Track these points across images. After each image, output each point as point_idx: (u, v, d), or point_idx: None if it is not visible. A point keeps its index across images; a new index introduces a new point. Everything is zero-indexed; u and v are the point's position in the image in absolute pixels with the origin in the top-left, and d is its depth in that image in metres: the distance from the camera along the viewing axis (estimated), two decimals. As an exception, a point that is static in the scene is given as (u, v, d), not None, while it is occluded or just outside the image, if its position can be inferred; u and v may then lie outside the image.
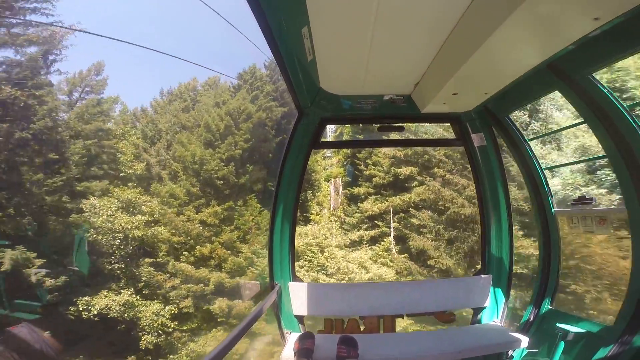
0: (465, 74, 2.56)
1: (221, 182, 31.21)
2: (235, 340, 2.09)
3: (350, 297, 3.65)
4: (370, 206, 29.70)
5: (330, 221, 31.99)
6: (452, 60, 2.52)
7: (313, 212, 32.83)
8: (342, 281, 22.71)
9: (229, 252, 27.71)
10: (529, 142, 3.52)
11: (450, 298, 3.72)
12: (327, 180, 35.69)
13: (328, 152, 36.70)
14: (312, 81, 3.11)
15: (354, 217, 30.86)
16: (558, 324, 3.07)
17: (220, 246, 27.63)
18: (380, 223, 28.78)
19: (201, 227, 27.45)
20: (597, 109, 2.46)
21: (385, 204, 29.03)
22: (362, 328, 3.68)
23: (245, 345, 20.45)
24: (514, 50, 2.28)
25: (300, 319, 3.67)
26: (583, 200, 3.17)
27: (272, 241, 3.70)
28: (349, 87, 3.40)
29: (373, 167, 31.88)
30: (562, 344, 2.97)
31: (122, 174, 27.68)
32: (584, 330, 2.91)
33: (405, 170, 28.08)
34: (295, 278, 3.79)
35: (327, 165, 37.18)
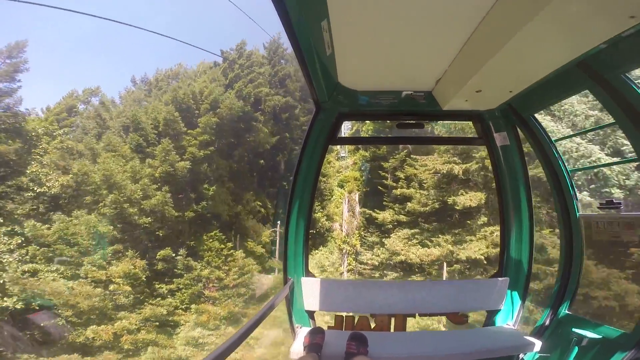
0: (490, 71, 2.48)
1: (149, 218, 22.60)
2: (249, 331, 2.14)
3: (362, 295, 3.65)
4: (403, 246, 20.60)
5: (342, 251, 24.29)
6: (477, 57, 2.44)
7: (321, 227, 25.60)
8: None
9: (152, 334, 19.15)
10: (555, 143, 3.40)
11: (464, 299, 3.67)
12: (341, 186, 29.04)
13: (342, 151, 32.22)
14: (330, 75, 3.08)
15: (376, 254, 22.34)
16: (574, 329, 3.01)
17: (135, 326, 18.57)
18: (419, 277, 18.67)
19: (105, 294, 19.28)
20: (629, 110, 2.35)
21: (429, 248, 19.64)
22: (372, 326, 3.68)
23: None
24: (543, 47, 2.19)
25: (311, 314, 3.70)
26: (611, 204, 3.05)
27: (287, 236, 3.74)
28: (367, 82, 3.35)
29: (406, 182, 23.44)
30: (575, 349, 2.92)
31: (27, 194, 20.42)
32: (600, 336, 2.84)
33: (466, 197, 18.78)
34: (308, 273, 3.82)
35: (341, 168, 31.32)
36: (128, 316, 19.68)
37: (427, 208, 20.70)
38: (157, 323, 20.51)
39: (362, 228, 24.86)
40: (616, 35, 1.98)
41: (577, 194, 3.46)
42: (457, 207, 19.32)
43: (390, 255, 21.28)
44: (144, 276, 21.49)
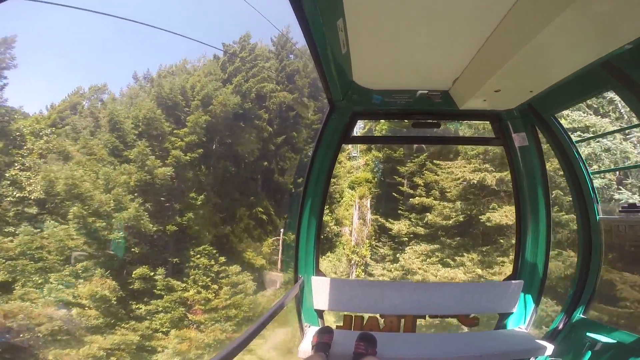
0: (510, 71, 2.43)
1: (121, 233, 19.99)
2: (259, 330, 2.17)
3: (371, 295, 3.65)
4: (420, 263, 17.67)
5: (350, 261, 21.98)
6: (497, 56, 2.39)
7: (329, 232, 23.75)
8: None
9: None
10: (576, 145, 3.31)
11: (476, 302, 3.62)
12: (351, 188, 27.15)
13: (354, 151, 30.90)
14: (344, 74, 3.07)
15: (388, 268, 19.60)
16: (588, 334, 2.96)
17: (103, 351, 16.30)
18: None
19: (69, 315, 17.06)
20: None
21: (451, 269, 16.27)
22: (381, 326, 3.67)
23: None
24: (565, 47, 2.12)
25: (320, 313, 3.71)
26: (633, 208, 2.97)
27: (299, 235, 3.76)
28: (382, 81, 3.32)
29: (425, 190, 20.70)
30: (588, 354, 2.87)
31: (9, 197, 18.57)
32: (614, 341, 2.79)
33: (500, 213, 15.65)
34: (319, 272, 3.83)
35: (352, 168, 29.69)
36: (96, 340, 17.55)
37: (450, 222, 17.65)
38: (128, 350, 18.16)
39: (373, 237, 22.71)
40: None
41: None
42: (490, 224, 16.25)
43: (405, 273, 18.70)
44: (115, 298, 18.89)
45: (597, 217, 3.24)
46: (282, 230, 26.35)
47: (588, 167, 3.34)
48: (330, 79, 2.90)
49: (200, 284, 21.05)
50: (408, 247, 19.55)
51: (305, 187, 3.74)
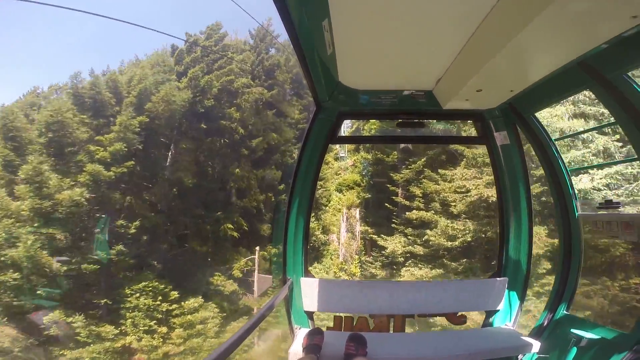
0: (491, 71, 2.48)
1: (13, 272, 15.15)
2: (248, 332, 2.13)
3: (361, 295, 3.64)
4: None
5: (336, 278, 19.14)
6: (478, 56, 2.44)
7: (315, 241, 21.14)
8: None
9: None
10: (555, 143, 3.40)
11: (463, 300, 3.66)
12: (339, 191, 25.10)
13: (342, 151, 29.77)
14: (330, 75, 3.08)
15: None
16: (572, 330, 3.00)
17: None
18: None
19: None
20: (630, 110, 2.35)
21: None
22: (371, 327, 3.68)
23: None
24: (544, 47, 2.18)
25: (310, 314, 3.69)
26: (610, 204, 3.06)
27: (286, 236, 3.73)
28: (368, 82, 3.35)
29: (424, 202, 18.06)
30: (574, 350, 2.91)
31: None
32: (598, 337, 2.84)
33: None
34: (307, 273, 3.82)
35: (340, 169, 27.85)
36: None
37: (456, 243, 14.63)
38: None
39: (363, 252, 20.89)
40: (618, 35, 1.97)
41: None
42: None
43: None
44: (19, 348, 15.22)
45: (576, 214, 3.32)
46: (257, 248, 22.87)
47: (567, 165, 3.44)
48: (316, 79, 2.91)
49: (141, 327, 17.10)
50: (404, 269, 17.16)
51: (291, 188, 3.72)
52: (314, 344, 2.87)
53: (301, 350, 2.91)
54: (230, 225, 22.50)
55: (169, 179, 21.07)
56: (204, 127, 22.13)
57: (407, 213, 18.87)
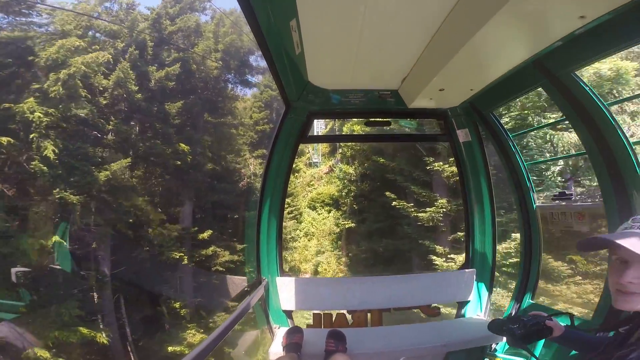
0: (451, 70, 2.58)
1: None
2: (222, 335, 2.07)
3: (338, 292, 3.67)
4: None
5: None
6: (439, 56, 2.53)
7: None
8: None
9: None
10: (512, 139, 3.58)
11: (435, 292, 3.77)
12: (312, 208, 20.47)
13: (315, 156, 27.22)
14: (300, 75, 3.10)
15: None
16: None
17: None
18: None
19: None
20: (578, 106, 2.50)
21: None
22: (350, 322, 3.71)
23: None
24: (500, 47, 2.30)
25: (288, 313, 3.67)
26: (563, 195, 3.24)
27: (259, 236, 3.70)
28: (337, 81, 3.40)
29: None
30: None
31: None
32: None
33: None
34: (283, 273, 3.79)
35: (314, 179, 23.50)
36: None
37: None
38: None
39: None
40: (568, 34, 2.10)
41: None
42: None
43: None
44: None
45: (534, 206, 3.47)
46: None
47: (524, 159, 3.62)
48: (285, 79, 2.91)
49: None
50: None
51: (262, 188, 3.71)
52: (294, 343, 2.86)
53: (281, 350, 2.89)
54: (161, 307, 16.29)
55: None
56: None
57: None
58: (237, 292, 16.31)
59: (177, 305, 16.55)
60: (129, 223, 15.82)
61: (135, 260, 15.76)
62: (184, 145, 17.98)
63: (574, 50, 2.25)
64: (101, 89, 16.47)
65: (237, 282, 17.29)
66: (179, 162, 17.76)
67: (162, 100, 18.18)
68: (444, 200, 15.17)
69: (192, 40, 20.30)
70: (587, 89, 2.44)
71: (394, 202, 16.03)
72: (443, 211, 15.00)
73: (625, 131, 2.41)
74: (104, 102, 16.54)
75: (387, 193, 16.44)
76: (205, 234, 18.03)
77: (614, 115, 2.40)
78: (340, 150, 23.14)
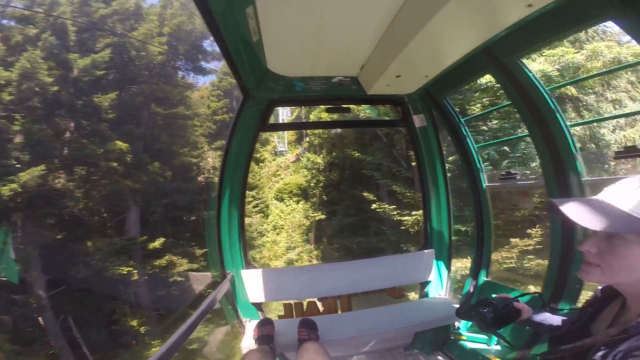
0: (407, 57, 2.63)
1: None
2: (188, 333, 2.01)
3: (305, 280, 3.68)
4: None
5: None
6: (395, 43, 2.57)
7: None
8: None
9: None
10: (464, 123, 3.75)
11: (398, 274, 3.89)
12: (279, 199, 19.45)
13: (280, 144, 26.24)
14: (258, 62, 3.01)
15: None
16: (493, 295, 3.37)
17: None
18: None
19: None
20: (522, 93, 2.66)
21: None
22: (321, 310, 3.75)
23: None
24: (452, 35, 2.37)
25: (258, 306, 3.64)
26: (509, 175, 3.46)
27: (219, 229, 3.60)
28: (297, 69, 3.35)
29: None
30: None
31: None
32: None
33: None
34: (249, 265, 3.74)
35: (280, 168, 22.56)
36: None
37: None
38: None
39: None
40: (515, 22, 2.19)
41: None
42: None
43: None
44: None
45: (484, 185, 3.67)
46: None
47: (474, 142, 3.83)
48: (242, 68, 2.82)
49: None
50: None
51: (220, 180, 3.59)
52: (266, 335, 2.84)
53: (254, 343, 2.86)
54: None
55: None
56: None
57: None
58: (202, 290, 15.65)
59: (134, 323, 15.11)
60: (57, 239, 14.29)
61: (75, 278, 14.18)
62: (120, 143, 15.80)
63: (520, 37, 2.36)
64: (3, 82, 14.38)
65: (201, 279, 16.43)
66: (115, 164, 15.52)
67: (88, 93, 15.79)
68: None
69: (131, 24, 18.29)
70: (530, 75, 2.61)
71: (373, 205, 14.63)
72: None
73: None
74: (9, 98, 14.44)
75: (365, 193, 15.12)
76: (157, 243, 16.18)
77: (554, 100, 2.60)
78: (307, 139, 22.13)
